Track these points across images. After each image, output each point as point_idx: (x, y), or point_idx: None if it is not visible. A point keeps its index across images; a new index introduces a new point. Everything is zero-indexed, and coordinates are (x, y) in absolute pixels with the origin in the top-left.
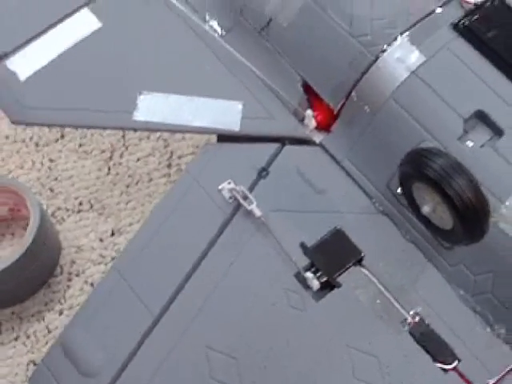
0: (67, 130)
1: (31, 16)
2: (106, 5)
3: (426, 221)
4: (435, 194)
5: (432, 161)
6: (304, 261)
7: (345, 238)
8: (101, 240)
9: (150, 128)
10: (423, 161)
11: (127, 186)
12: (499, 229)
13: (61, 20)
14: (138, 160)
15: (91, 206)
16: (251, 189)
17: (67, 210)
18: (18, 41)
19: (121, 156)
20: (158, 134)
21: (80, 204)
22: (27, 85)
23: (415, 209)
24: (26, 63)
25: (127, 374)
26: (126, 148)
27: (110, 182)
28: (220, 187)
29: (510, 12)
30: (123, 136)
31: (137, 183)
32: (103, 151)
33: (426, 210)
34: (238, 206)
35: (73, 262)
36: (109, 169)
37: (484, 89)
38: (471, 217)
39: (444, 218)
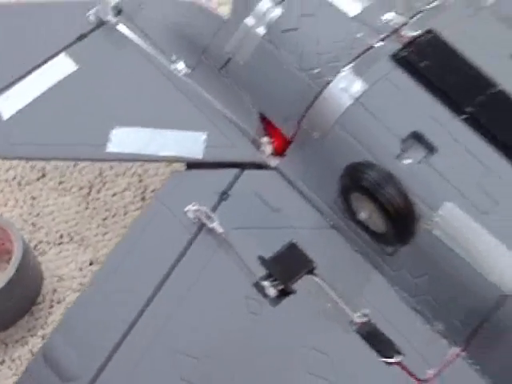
0: (48, 169)
1: (13, 61)
2: (82, 50)
3: (364, 227)
4: (370, 202)
5: (366, 173)
6: (262, 272)
7: (298, 251)
8: (80, 269)
9: (122, 158)
10: (358, 173)
11: (104, 219)
12: (433, 235)
13: (40, 64)
14: (115, 195)
15: (71, 239)
16: (214, 209)
17: (48, 242)
18: (1, 84)
19: (98, 192)
20: (133, 170)
21: (61, 237)
22: (10, 123)
23: (355, 217)
24: (8, 104)
25: (103, 378)
26: (104, 184)
27: (88, 216)
28: (185, 209)
29: (441, 44)
30: (100, 173)
31: (113, 216)
32: (82, 188)
33: (362, 216)
34: (202, 225)
35: (54, 291)
36: (87, 203)
37: (419, 112)
38: (400, 221)
39: (378, 223)
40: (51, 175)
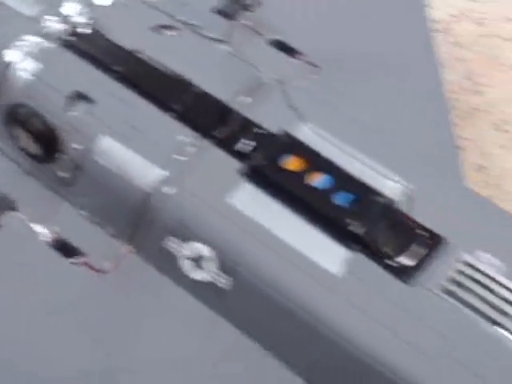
0: None
1: None
2: None
3: (28, 153)
4: (24, 132)
5: (19, 110)
6: None
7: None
8: None
9: None
10: (15, 111)
11: None
12: (96, 163)
13: None
14: None
15: None
16: None
17: None
18: None
19: None
20: None
21: None
22: None
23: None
24: None
25: None
26: None
27: None
28: None
29: (98, 30)
30: None
31: None
32: None
33: (21, 143)
34: None
35: None
36: None
37: (81, 77)
38: (45, 143)
39: (34, 147)
40: None
